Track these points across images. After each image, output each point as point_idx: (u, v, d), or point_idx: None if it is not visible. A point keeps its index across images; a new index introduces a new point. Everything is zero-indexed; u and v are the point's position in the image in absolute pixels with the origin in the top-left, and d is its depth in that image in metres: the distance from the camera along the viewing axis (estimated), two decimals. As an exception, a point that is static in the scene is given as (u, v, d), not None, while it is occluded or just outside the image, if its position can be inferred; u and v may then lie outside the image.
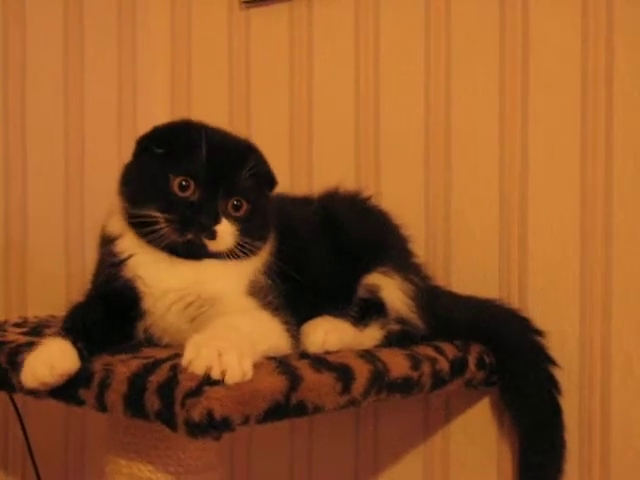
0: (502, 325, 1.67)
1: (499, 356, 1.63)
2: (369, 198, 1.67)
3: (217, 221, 1.36)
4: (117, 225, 1.42)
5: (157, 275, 1.38)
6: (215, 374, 1.14)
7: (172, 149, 1.39)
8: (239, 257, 1.39)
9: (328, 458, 1.87)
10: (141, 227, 1.37)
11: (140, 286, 1.38)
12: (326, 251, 1.55)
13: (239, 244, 1.38)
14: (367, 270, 1.55)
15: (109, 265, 1.41)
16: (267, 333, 1.32)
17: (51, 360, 1.25)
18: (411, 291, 1.55)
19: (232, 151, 1.42)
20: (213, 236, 1.35)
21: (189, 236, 1.35)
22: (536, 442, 1.62)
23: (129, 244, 1.40)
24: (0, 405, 1.89)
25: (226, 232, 1.37)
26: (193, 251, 1.37)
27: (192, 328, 1.32)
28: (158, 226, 1.35)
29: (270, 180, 1.47)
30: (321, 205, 1.61)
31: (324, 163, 1.91)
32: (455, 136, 1.79)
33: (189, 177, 1.36)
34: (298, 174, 1.93)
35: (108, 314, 1.35)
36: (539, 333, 1.66)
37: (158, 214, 1.35)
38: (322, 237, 1.56)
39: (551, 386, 1.63)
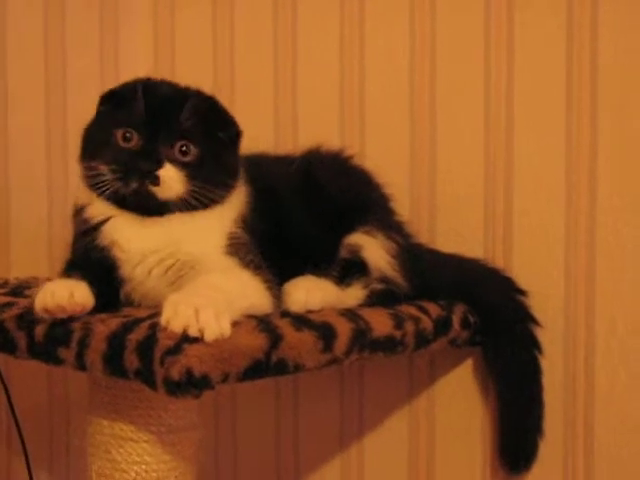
0: (485, 284, 1.67)
1: (481, 315, 1.62)
2: (351, 157, 1.66)
3: (159, 166, 1.35)
4: (83, 193, 1.42)
5: (131, 238, 1.37)
6: (192, 332, 1.14)
7: (116, 105, 1.41)
8: (196, 206, 1.37)
9: (313, 418, 1.87)
10: (92, 182, 1.38)
11: (117, 253, 1.37)
12: (307, 210, 1.54)
13: (192, 191, 1.37)
14: (349, 230, 1.54)
15: (82, 234, 1.41)
16: (247, 291, 1.32)
17: (72, 288, 1.27)
18: (394, 250, 1.54)
19: (171, 98, 1.41)
20: (156, 181, 1.34)
21: (133, 185, 1.34)
22: (515, 402, 1.63)
23: (98, 210, 1.40)
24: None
25: (171, 177, 1.35)
26: (143, 201, 1.36)
27: (172, 291, 1.30)
28: (104, 178, 1.35)
29: (224, 123, 1.45)
30: (302, 163, 1.59)
31: (309, 122, 1.89)
32: (440, 94, 1.77)
33: (130, 128, 1.36)
34: (283, 133, 1.91)
35: (89, 283, 1.33)
36: (522, 292, 1.66)
37: (103, 166, 1.35)
38: (303, 196, 1.55)
39: (532, 345, 1.63)
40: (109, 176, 1.35)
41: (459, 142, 1.76)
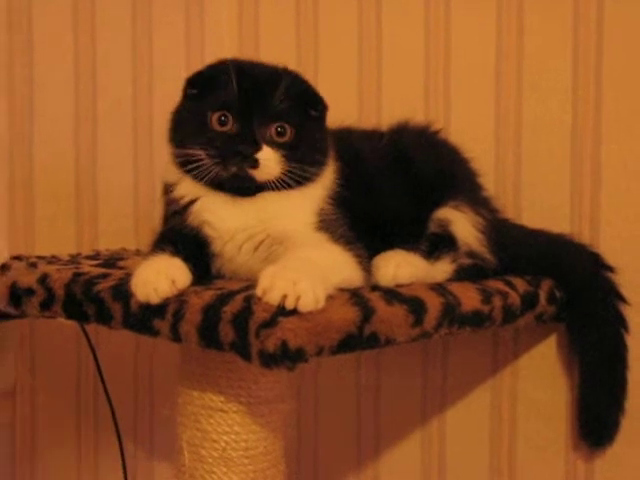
0: (571, 259, 1.65)
1: (567, 291, 1.61)
2: (439, 132, 1.65)
3: (257, 149, 1.34)
4: (172, 172, 1.42)
5: (222, 217, 1.38)
6: (290, 303, 1.15)
7: (206, 88, 1.40)
8: (292, 185, 1.38)
9: (395, 393, 1.88)
10: (187, 167, 1.37)
11: (207, 231, 1.38)
12: (396, 185, 1.54)
13: (288, 171, 1.37)
14: (438, 204, 1.54)
15: (172, 213, 1.42)
16: (339, 266, 1.32)
17: (169, 274, 1.27)
18: (482, 225, 1.53)
19: (263, 77, 1.40)
20: (256, 164, 1.34)
21: (233, 169, 1.34)
22: (598, 379, 1.62)
23: (187, 189, 1.40)
24: (72, 337, 1.92)
25: (269, 159, 1.35)
26: (241, 184, 1.37)
27: (263, 267, 1.31)
28: (202, 163, 1.35)
29: (314, 101, 1.44)
30: (391, 138, 1.59)
31: (393, 98, 1.89)
32: (527, 67, 1.76)
33: (225, 110, 1.36)
34: (367, 109, 1.90)
35: (183, 259, 1.33)
36: (609, 269, 1.64)
37: (200, 151, 1.35)
38: (392, 171, 1.55)
39: (618, 323, 1.62)
40: (207, 161, 1.35)
41: (545, 116, 1.74)
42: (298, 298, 1.15)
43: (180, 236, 1.38)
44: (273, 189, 1.37)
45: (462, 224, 1.52)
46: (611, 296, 1.63)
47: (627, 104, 1.67)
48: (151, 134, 1.97)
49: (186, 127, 1.40)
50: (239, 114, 1.36)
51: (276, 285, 1.17)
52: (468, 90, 1.82)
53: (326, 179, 1.43)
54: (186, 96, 1.43)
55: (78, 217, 1.96)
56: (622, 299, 1.63)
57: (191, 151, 1.36)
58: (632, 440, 1.66)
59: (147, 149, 1.97)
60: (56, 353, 1.97)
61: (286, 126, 1.38)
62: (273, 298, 1.16)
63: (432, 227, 1.53)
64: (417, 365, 1.86)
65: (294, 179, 1.37)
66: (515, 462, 1.79)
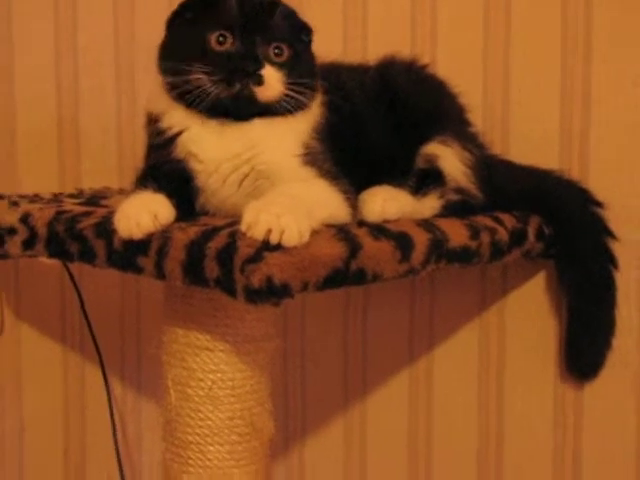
0: (560, 195, 1.64)
1: (556, 226, 1.61)
2: (426, 66, 1.63)
3: (262, 65, 1.33)
4: (161, 102, 1.39)
5: (209, 147, 1.35)
6: (274, 237, 1.14)
7: (202, 9, 1.38)
8: (289, 110, 1.36)
9: (382, 331, 1.87)
10: (187, 94, 1.34)
11: (193, 164, 1.36)
12: (382, 120, 1.51)
13: (287, 94, 1.35)
14: (425, 139, 1.52)
15: (157, 146, 1.39)
16: (325, 201, 1.31)
17: (152, 209, 1.26)
18: (469, 160, 1.52)
19: (261, 2, 1.38)
20: (261, 81, 1.32)
21: (237, 86, 1.32)
22: (586, 315, 1.63)
23: (175, 119, 1.37)
24: (56, 276, 1.91)
25: (273, 77, 1.34)
26: (243, 104, 1.34)
27: (248, 202, 1.29)
28: (204, 86, 1.32)
29: (305, 27, 1.43)
30: (377, 73, 1.57)
31: (379, 32, 1.85)
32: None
33: (224, 30, 1.34)
34: (352, 45, 1.87)
35: (167, 195, 1.32)
36: (599, 204, 1.63)
37: (201, 75, 1.32)
38: (378, 105, 1.52)
39: (607, 259, 1.62)
40: (209, 83, 1.32)
41: (534, 48, 1.72)
42: (282, 232, 1.14)
43: (164, 171, 1.36)
44: (270, 113, 1.36)
45: (450, 159, 1.50)
46: (600, 232, 1.62)
47: (617, 36, 1.65)
48: (133, 70, 1.93)
49: (181, 52, 1.37)
50: (240, 32, 1.34)
51: (260, 219, 1.15)
52: (455, 23, 1.78)
53: (313, 111, 1.41)
54: (177, 23, 1.40)
55: (60, 156, 1.94)
56: (611, 235, 1.62)
57: (190, 75, 1.33)
58: (618, 373, 1.68)
59: (130, 86, 1.94)
60: (41, 294, 1.96)
61: (283, 46, 1.37)
62: (257, 232, 1.15)
63: (419, 162, 1.51)
64: (404, 303, 1.85)
65: (291, 102, 1.35)
66: (503, 398, 1.80)
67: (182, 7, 1.40)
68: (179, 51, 1.38)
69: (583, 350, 1.66)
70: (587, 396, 1.73)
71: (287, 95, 1.35)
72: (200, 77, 1.32)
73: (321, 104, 1.43)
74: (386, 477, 1.91)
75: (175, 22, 1.41)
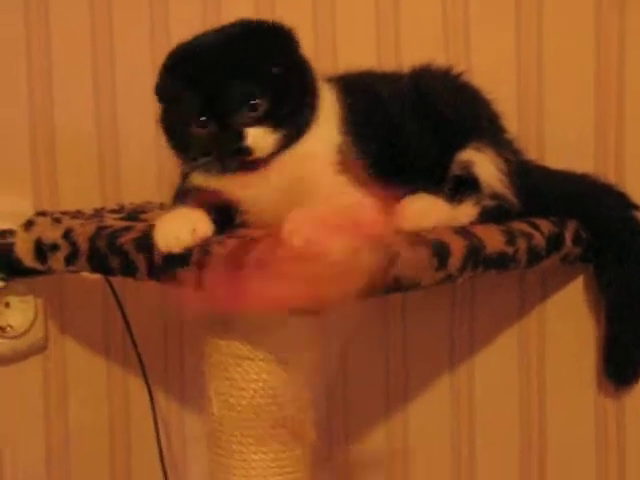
0: (596, 198, 1.64)
1: (593, 230, 1.60)
2: (461, 74, 1.63)
3: (242, 137, 1.32)
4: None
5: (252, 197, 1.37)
6: (313, 249, 1.14)
7: (169, 99, 1.40)
8: (290, 145, 1.36)
9: (423, 337, 1.88)
10: (196, 170, 1.38)
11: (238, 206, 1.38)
12: (417, 127, 1.51)
13: (282, 134, 1.34)
14: (460, 146, 1.52)
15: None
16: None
17: (190, 223, 1.28)
18: (504, 166, 1.52)
19: (212, 62, 1.35)
20: (249, 151, 1.32)
21: (233, 164, 1.34)
22: (624, 317, 1.63)
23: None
24: (98, 291, 1.93)
25: (257, 137, 1.33)
26: (250, 167, 1.35)
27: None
28: (207, 167, 1.36)
29: (271, 56, 1.37)
30: (412, 81, 1.57)
31: (411, 43, 1.86)
32: (548, 4, 1.73)
33: (197, 117, 1.34)
34: (385, 55, 1.88)
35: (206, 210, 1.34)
36: (636, 207, 1.63)
37: (200, 158, 1.36)
38: (413, 113, 1.52)
39: None
40: (215, 165, 1.35)
41: (567, 55, 1.72)
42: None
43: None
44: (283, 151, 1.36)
45: (485, 165, 1.51)
46: (638, 234, 1.62)
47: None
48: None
49: (173, 138, 1.41)
50: (210, 114, 1.34)
51: (303, 229, 1.16)
52: (488, 31, 1.79)
53: (333, 116, 1.41)
54: (162, 111, 1.43)
55: (101, 172, 1.96)
56: None
57: (197, 164, 1.37)
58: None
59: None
60: (84, 309, 1.98)
61: (256, 100, 1.34)
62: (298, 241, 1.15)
63: (455, 169, 1.51)
64: (445, 307, 1.85)
65: (290, 137, 1.35)
66: (545, 405, 1.80)
67: (158, 97, 1.42)
68: (171, 135, 1.42)
69: (622, 355, 1.66)
70: (628, 398, 1.72)
71: (284, 135, 1.35)
72: (201, 161, 1.36)
73: (346, 108, 1.42)
74: (429, 484, 1.91)
75: (161, 110, 1.43)
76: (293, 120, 1.36)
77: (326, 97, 1.42)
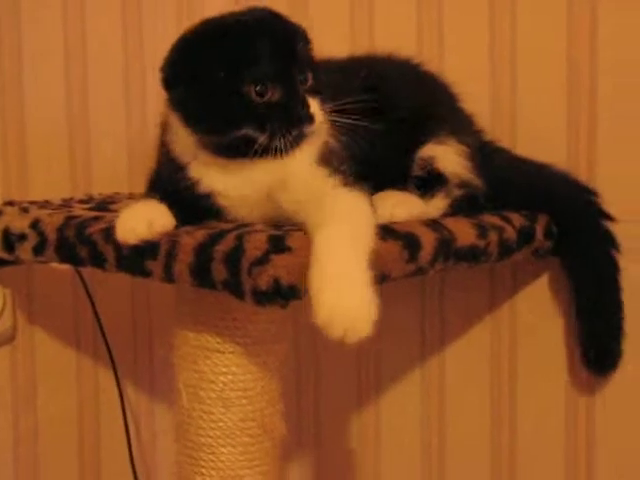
0: (556, 185, 1.64)
1: (552, 213, 1.60)
2: (420, 64, 1.62)
3: (309, 106, 1.29)
4: (188, 151, 1.33)
5: (234, 186, 1.32)
6: (351, 337, 1.14)
7: (230, 63, 1.28)
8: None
9: (394, 331, 1.87)
10: (229, 149, 1.29)
11: (217, 200, 1.33)
12: (379, 123, 1.45)
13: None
14: (420, 143, 1.51)
15: (179, 186, 1.34)
16: (366, 229, 1.23)
17: (149, 217, 1.27)
18: (467, 152, 1.51)
19: (279, 30, 1.32)
20: (313, 120, 1.29)
21: (294, 133, 1.28)
22: (595, 309, 1.61)
23: (202, 166, 1.32)
24: (68, 281, 1.92)
25: (317, 109, 1.30)
26: (292, 145, 1.29)
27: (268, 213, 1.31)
28: (256, 141, 1.26)
29: (308, 39, 1.36)
30: (372, 75, 1.52)
31: (385, 32, 1.85)
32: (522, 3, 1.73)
33: (262, 81, 1.27)
34: (360, 41, 1.86)
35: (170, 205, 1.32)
36: (593, 193, 1.63)
37: (251, 131, 1.26)
38: (373, 107, 1.44)
39: (608, 242, 1.61)
40: (260, 137, 1.26)
41: (541, 43, 1.72)
42: (355, 328, 1.14)
43: (177, 197, 1.33)
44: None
45: (447, 157, 1.50)
46: (596, 215, 1.62)
47: (624, 35, 1.64)
48: (144, 75, 1.94)
49: (217, 110, 1.29)
50: (279, 79, 1.28)
51: (335, 322, 1.14)
52: (461, 23, 1.78)
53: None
54: (202, 78, 1.29)
55: (71, 162, 1.95)
56: (608, 216, 1.61)
57: (235, 133, 1.27)
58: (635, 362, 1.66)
59: (140, 92, 1.95)
60: (53, 300, 1.97)
61: (307, 72, 1.32)
62: (336, 334, 1.14)
63: (416, 169, 1.50)
64: (415, 303, 1.85)
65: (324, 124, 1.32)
66: (515, 397, 1.80)
67: (202, 63, 1.29)
68: (214, 110, 1.29)
69: (598, 346, 1.63)
70: (598, 393, 1.72)
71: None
72: (249, 133, 1.27)
73: None
74: (399, 475, 1.91)
75: (196, 78, 1.29)
76: (326, 104, 1.33)
77: None
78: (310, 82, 1.32)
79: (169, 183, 1.35)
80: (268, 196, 1.31)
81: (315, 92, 1.32)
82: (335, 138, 1.36)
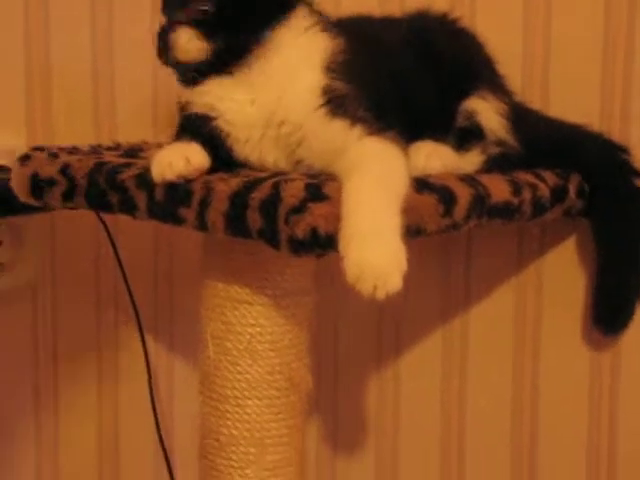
0: (587, 144, 1.62)
1: (583, 172, 1.59)
2: (457, 19, 1.60)
3: (169, 31, 1.32)
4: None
5: (234, 111, 1.32)
6: (380, 293, 1.11)
7: None
8: (227, 63, 1.31)
9: (417, 290, 1.85)
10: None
11: (220, 124, 1.32)
12: (420, 75, 1.48)
13: (215, 47, 1.30)
14: (463, 95, 1.50)
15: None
16: (398, 179, 1.21)
17: (186, 154, 1.26)
18: (505, 111, 1.50)
19: None
20: (169, 44, 1.32)
21: (163, 56, 1.35)
22: (616, 265, 1.61)
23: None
24: (91, 231, 1.91)
25: (180, 38, 1.31)
26: (177, 70, 1.35)
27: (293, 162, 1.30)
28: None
29: None
30: (411, 27, 1.53)
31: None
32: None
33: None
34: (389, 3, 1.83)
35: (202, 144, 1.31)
36: (625, 150, 1.62)
37: None
38: (414, 60, 1.48)
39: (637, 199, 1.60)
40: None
41: (576, 4, 1.70)
42: (386, 283, 1.11)
43: (195, 125, 1.34)
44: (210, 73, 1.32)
45: (488, 113, 1.49)
46: (629, 173, 1.61)
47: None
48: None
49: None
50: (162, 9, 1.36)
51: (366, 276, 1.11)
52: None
53: (319, 49, 1.33)
54: None
55: (96, 112, 1.93)
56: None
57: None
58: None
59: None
60: (76, 247, 1.96)
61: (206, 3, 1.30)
62: (366, 289, 1.11)
63: (460, 120, 1.49)
64: (440, 259, 1.84)
65: (226, 54, 1.31)
66: (538, 359, 1.79)
67: None
68: None
69: (611, 302, 1.64)
70: (624, 354, 1.71)
71: (217, 49, 1.30)
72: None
73: (341, 44, 1.34)
74: (418, 437, 1.90)
75: None
76: (240, 36, 1.30)
77: (311, 38, 1.35)
78: (201, 13, 1.30)
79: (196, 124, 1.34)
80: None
81: (202, 23, 1.30)
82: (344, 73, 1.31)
